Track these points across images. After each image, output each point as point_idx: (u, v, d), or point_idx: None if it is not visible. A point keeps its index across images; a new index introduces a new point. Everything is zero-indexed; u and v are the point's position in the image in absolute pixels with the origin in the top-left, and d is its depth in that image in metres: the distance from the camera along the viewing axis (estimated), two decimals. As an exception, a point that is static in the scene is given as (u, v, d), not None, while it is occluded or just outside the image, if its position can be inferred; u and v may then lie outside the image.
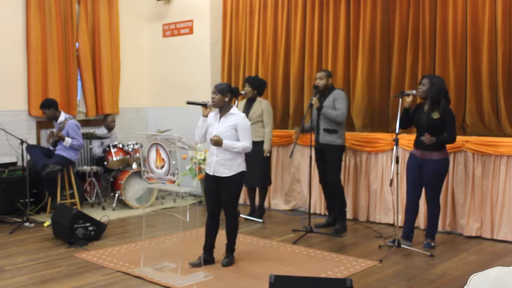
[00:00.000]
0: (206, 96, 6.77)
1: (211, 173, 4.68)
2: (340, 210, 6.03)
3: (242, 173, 4.67)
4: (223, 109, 4.68)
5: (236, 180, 4.64)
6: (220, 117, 4.68)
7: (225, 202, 4.68)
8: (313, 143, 5.89)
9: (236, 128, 4.59)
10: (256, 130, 6.40)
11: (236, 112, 4.66)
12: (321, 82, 5.88)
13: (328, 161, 5.95)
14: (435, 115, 5.07)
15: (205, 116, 4.74)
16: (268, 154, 6.40)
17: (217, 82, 7.66)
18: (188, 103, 4.89)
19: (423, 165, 5.19)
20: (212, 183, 4.67)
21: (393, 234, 5.57)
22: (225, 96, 4.65)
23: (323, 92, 5.90)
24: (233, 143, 4.55)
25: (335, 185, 5.99)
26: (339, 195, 6.02)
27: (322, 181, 6.19)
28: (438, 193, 5.28)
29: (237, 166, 4.62)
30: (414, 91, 5.25)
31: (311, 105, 5.86)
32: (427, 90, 5.10)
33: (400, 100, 5.25)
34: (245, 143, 4.58)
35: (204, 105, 4.74)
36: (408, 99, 5.24)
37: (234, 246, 4.83)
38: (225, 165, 4.59)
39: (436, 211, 5.29)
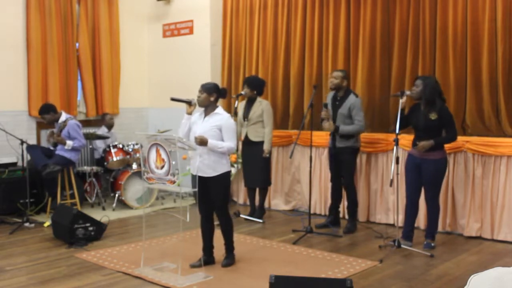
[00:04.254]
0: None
1: (194, 173, 4.65)
2: (352, 210, 6.04)
3: (227, 173, 4.65)
4: (208, 108, 4.65)
5: (222, 180, 4.61)
6: (205, 116, 4.66)
7: (214, 202, 4.67)
8: (314, 143, 5.88)
9: (221, 128, 4.56)
10: (257, 131, 6.40)
11: (221, 112, 4.64)
12: (335, 81, 5.84)
13: (344, 162, 5.93)
14: (433, 116, 5.07)
15: (189, 114, 4.74)
16: (267, 155, 6.39)
17: (218, 82, 7.63)
18: (172, 99, 4.85)
19: (421, 165, 5.18)
20: (199, 184, 4.62)
21: (393, 234, 5.56)
22: (211, 95, 4.63)
23: (338, 93, 5.88)
24: (218, 143, 4.51)
25: (349, 185, 5.99)
26: (352, 195, 6.02)
27: (334, 181, 6.14)
28: (438, 193, 5.28)
29: (222, 166, 4.59)
30: (408, 92, 5.26)
31: (311, 105, 5.85)
32: (421, 92, 5.11)
33: (400, 100, 5.25)
34: (230, 144, 4.55)
35: (189, 103, 4.74)
36: (402, 100, 5.24)
37: (232, 245, 4.82)
38: (210, 165, 4.56)
39: (436, 211, 5.29)
